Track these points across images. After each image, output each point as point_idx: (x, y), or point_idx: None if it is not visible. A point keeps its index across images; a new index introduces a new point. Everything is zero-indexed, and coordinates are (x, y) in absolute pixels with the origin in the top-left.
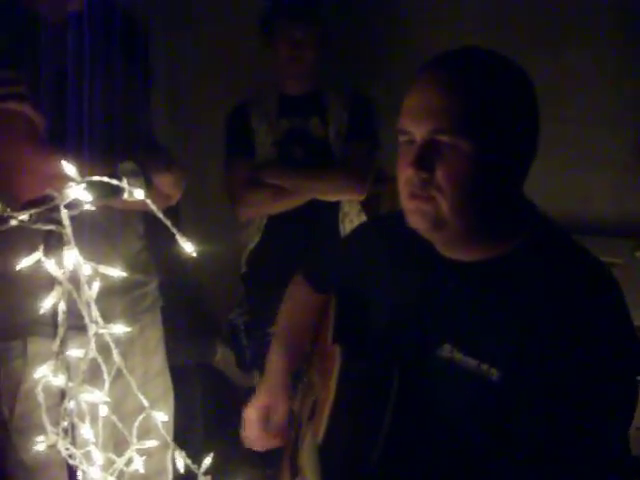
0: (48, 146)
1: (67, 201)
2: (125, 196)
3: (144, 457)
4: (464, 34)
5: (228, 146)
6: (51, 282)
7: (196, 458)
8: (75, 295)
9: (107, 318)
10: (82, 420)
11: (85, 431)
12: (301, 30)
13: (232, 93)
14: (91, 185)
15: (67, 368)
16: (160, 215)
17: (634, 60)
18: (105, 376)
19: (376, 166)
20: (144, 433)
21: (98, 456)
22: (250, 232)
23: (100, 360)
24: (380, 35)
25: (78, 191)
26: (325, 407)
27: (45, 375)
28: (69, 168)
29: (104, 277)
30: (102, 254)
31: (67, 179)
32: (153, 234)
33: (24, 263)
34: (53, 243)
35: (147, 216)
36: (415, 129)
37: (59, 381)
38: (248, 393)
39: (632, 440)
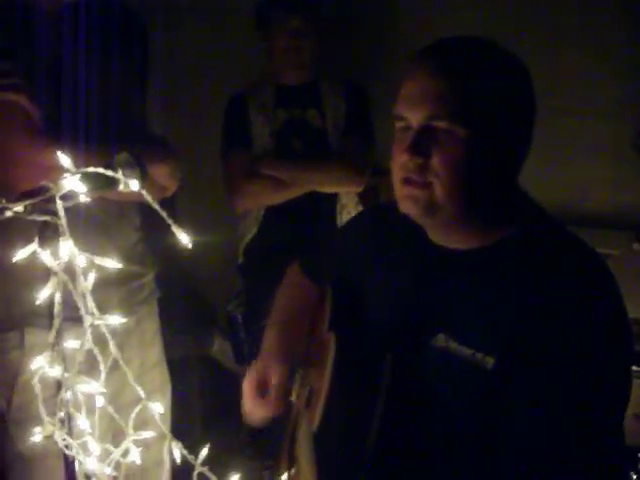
0: (44, 137)
1: (62, 192)
2: (120, 187)
3: (141, 448)
4: (462, 25)
5: (225, 137)
6: (47, 273)
7: (194, 449)
8: (71, 286)
9: (103, 310)
10: (78, 411)
11: (81, 422)
12: (298, 20)
13: (228, 84)
14: (86, 176)
15: (63, 359)
16: (156, 206)
17: (634, 52)
18: (101, 367)
19: (374, 158)
20: (141, 424)
21: (95, 447)
22: (247, 223)
23: (96, 351)
24: (376, 26)
25: (73, 182)
26: (320, 396)
27: (41, 366)
28: (64, 159)
29: (100, 268)
30: (97, 245)
31: (62, 170)
32: (150, 226)
33: (20, 254)
34: (48, 234)
35: (144, 208)
36: (411, 115)
37: (55, 372)
38: None
39: (628, 428)
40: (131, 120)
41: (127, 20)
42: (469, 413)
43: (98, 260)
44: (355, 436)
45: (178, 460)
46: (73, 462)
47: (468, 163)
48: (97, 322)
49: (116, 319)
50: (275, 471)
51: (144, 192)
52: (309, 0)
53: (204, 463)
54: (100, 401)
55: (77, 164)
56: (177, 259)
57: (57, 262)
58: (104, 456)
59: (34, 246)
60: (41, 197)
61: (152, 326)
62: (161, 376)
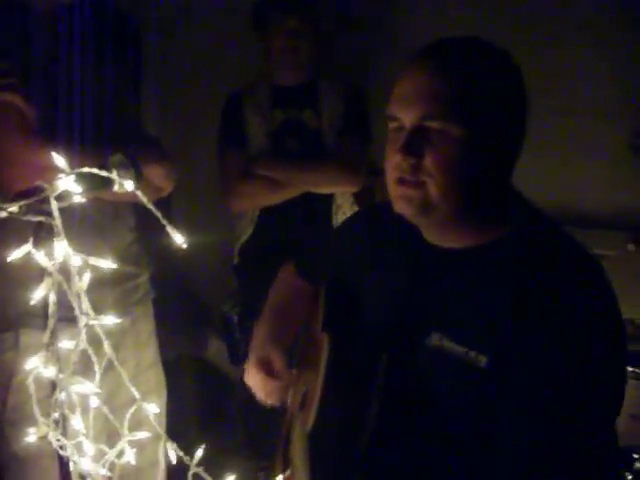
0: (39, 137)
1: (57, 193)
2: (115, 188)
3: (136, 449)
4: (459, 26)
5: (221, 137)
6: (42, 274)
7: (189, 450)
8: (65, 286)
9: (98, 310)
10: (73, 411)
11: (76, 422)
12: (295, 20)
13: (224, 84)
14: (81, 177)
15: (58, 360)
16: (151, 207)
17: (632, 52)
18: (96, 368)
19: (369, 159)
20: (136, 425)
21: (89, 447)
22: (243, 224)
23: (91, 352)
24: (373, 27)
25: (68, 183)
26: (314, 397)
27: (36, 366)
28: (59, 160)
29: (94, 269)
30: (92, 246)
31: (57, 171)
32: (145, 226)
33: (14, 255)
34: (43, 235)
35: (139, 209)
36: (404, 115)
37: (50, 373)
38: (242, 386)
39: (623, 428)
40: (126, 121)
41: (121, 21)
42: (464, 411)
43: (93, 260)
44: (349, 437)
45: (173, 461)
46: (68, 462)
47: (461, 163)
48: (92, 322)
49: (111, 319)
50: (270, 472)
51: (139, 193)
52: (306, 0)
53: (199, 464)
54: (95, 402)
55: (72, 164)
56: (172, 260)
57: (52, 262)
58: (99, 457)
59: (29, 246)
60: (36, 197)
61: (147, 327)
62: (156, 377)
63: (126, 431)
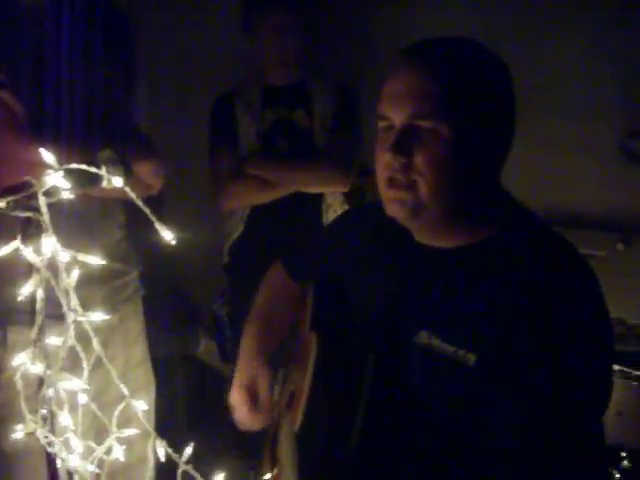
0: (27, 133)
1: (45, 188)
2: (104, 184)
3: (124, 446)
4: (450, 25)
5: (212, 136)
6: (30, 270)
7: (179, 448)
8: (53, 283)
9: (86, 307)
10: (61, 408)
11: (64, 419)
12: (282, 17)
13: (215, 82)
14: (69, 173)
15: (45, 356)
16: (139, 203)
17: (623, 53)
18: (84, 364)
19: (360, 159)
20: (125, 422)
21: (77, 444)
22: (233, 222)
23: (79, 348)
24: (364, 27)
25: (56, 179)
26: (302, 396)
27: (24, 363)
28: (47, 155)
29: (83, 265)
30: (80, 242)
31: (46, 166)
32: (135, 223)
33: (2, 251)
34: (31, 231)
35: (129, 206)
36: (394, 114)
37: (37, 369)
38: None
39: (611, 427)
40: (116, 117)
41: (111, 17)
42: (452, 410)
43: (81, 257)
44: (337, 436)
45: (162, 458)
46: (55, 459)
47: (452, 162)
48: (80, 319)
49: (99, 316)
50: (258, 471)
51: (128, 189)
52: None
53: (188, 461)
54: (83, 398)
55: (60, 160)
56: (162, 257)
57: (40, 259)
58: (87, 453)
59: (17, 242)
60: (24, 193)
61: (136, 324)
62: (145, 375)
63: (114, 428)
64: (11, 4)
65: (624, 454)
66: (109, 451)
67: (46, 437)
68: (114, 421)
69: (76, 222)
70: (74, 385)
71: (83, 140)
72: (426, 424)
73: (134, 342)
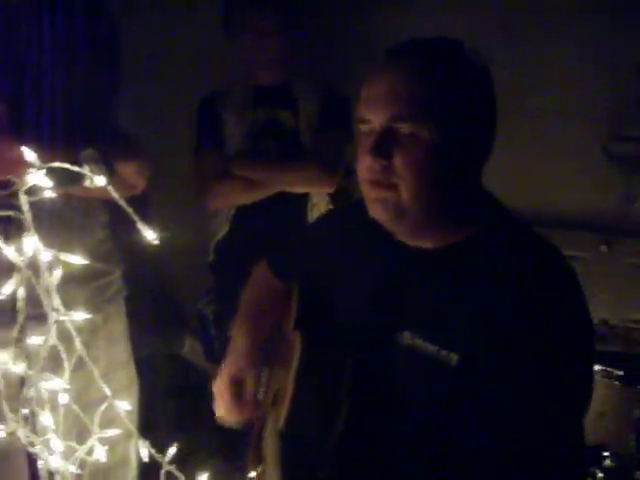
0: (8, 131)
1: (27, 187)
2: (86, 183)
3: (106, 446)
4: (436, 26)
5: (197, 137)
6: (11, 269)
7: (163, 449)
8: (35, 282)
9: (69, 307)
10: (42, 408)
11: (45, 419)
12: (263, 17)
13: (201, 83)
14: (51, 171)
15: (27, 356)
16: (121, 203)
17: (607, 54)
18: (66, 365)
19: (346, 159)
20: (108, 423)
21: (58, 444)
22: (218, 222)
23: (61, 348)
24: (352, 29)
25: (38, 177)
26: (286, 394)
27: (4, 363)
28: (29, 154)
29: (65, 265)
30: (62, 241)
31: (27, 165)
32: (119, 223)
33: None
34: (12, 230)
35: (113, 205)
36: (374, 117)
37: (18, 369)
38: None
39: (593, 427)
40: (99, 116)
41: (94, 15)
42: (435, 410)
43: (63, 256)
44: (320, 435)
45: (145, 458)
46: (37, 460)
47: (432, 164)
48: (62, 318)
49: (81, 315)
50: (244, 470)
51: (110, 189)
52: None
53: (172, 462)
54: (64, 398)
55: (42, 159)
56: (146, 257)
57: (21, 258)
58: (69, 454)
59: None
60: (5, 192)
61: (119, 325)
62: (128, 375)
63: (97, 428)
64: None
65: (606, 454)
66: (91, 451)
67: (27, 437)
68: (96, 421)
69: (58, 221)
70: (56, 385)
71: (66, 139)
72: (410, 423)
73: (117, 342)
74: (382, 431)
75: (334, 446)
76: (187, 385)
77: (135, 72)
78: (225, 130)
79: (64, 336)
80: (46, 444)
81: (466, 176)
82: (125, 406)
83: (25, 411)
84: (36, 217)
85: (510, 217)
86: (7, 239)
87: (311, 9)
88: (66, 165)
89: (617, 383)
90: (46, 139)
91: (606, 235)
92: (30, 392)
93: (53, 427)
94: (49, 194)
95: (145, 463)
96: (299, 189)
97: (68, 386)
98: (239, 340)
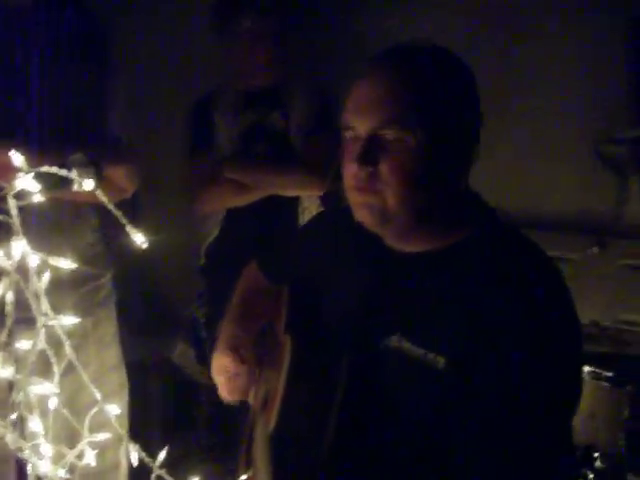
0: None
1: (15, 191)
2: (75, 187)
3: (96, 451)
4: (435, 26)
5: (188, 140)
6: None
7: (153, 453)
8: (23, 286)
9: (58, 311)
10: (31, 412)
11: (34, 424)
12: (253, 21)
13: (192, 86)
14: (40, 175)
15: (15, 360)
16: (111, 207)
17: (598, 59)
18: (55, 369)
19: (337, 162)
20: (98, 427)
21: (47, 449)
22: (209, 225)
23: (50, 353)
24: (343, 32)
25: (26, 181)
26: (276, 397)
27: None
28: (17, 158)
29: (54, 269)
30: (52, 245)
31: (16, 169)
32: (109, 227)
33: None
34: (1, 233)
35: (103, 209)
36: (359, 124)
37: (7, 373)
38: (208, 389)
39: (584, 428)
40: (88, 120)
41: (84, 18)
42: (424, 413)
43: (52, 260)
44: (311, 439)
45: (135, 462)
46: (26, 465)
47: (417, 170)
48: (51, 322)
49: (70, 320)
50: (235, 473)
51: (99, 193)
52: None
53: (162, 466)
54: (54, 403)
55: (31, 163)
56: (137, 261)
57: (10, 262)
58: (58, 458)
59: None
60: None
61: (110, 328)
62: (119, 379)
63: (87, 432)
64: None
65: (597, 454)
66: (81, 456)
67: (15, 442)
68: (86, 425)
69: (48, 225)
70: (45, 389)
71: (54, 143)
72: (398, 426)
73: (108, 346)
74: (372, 434)
75: (326, 449)
76: (177, 389)
77: (127, 75)
78: (216, 133)
79: (54, 340)
80: (35, 449)
81: (452, 180)
82: (115, 410)
83: (13, 416)
84: (25, 221)
85: (496, 219)
86: None
87: (308, 9)
88: (54, 169)
89: (607, 384)
90: (35, 143)
91: (598, 237)
92: (19, 397)
93: (42, 432)
94: (38, 198)
95: (135, 467)
96: (290, 192)
97: (58, 390)
98: (229, 327)
